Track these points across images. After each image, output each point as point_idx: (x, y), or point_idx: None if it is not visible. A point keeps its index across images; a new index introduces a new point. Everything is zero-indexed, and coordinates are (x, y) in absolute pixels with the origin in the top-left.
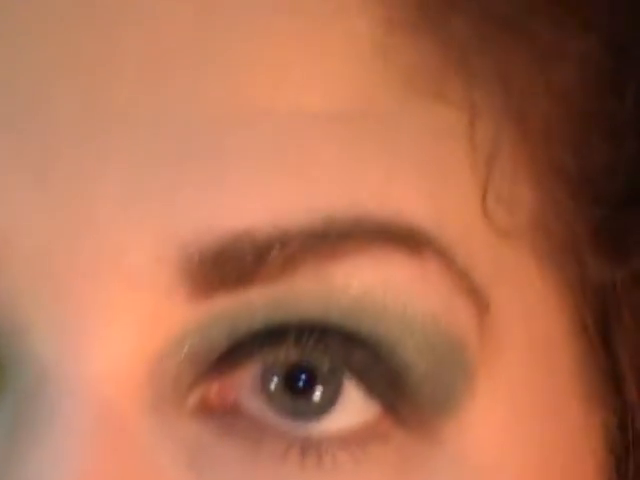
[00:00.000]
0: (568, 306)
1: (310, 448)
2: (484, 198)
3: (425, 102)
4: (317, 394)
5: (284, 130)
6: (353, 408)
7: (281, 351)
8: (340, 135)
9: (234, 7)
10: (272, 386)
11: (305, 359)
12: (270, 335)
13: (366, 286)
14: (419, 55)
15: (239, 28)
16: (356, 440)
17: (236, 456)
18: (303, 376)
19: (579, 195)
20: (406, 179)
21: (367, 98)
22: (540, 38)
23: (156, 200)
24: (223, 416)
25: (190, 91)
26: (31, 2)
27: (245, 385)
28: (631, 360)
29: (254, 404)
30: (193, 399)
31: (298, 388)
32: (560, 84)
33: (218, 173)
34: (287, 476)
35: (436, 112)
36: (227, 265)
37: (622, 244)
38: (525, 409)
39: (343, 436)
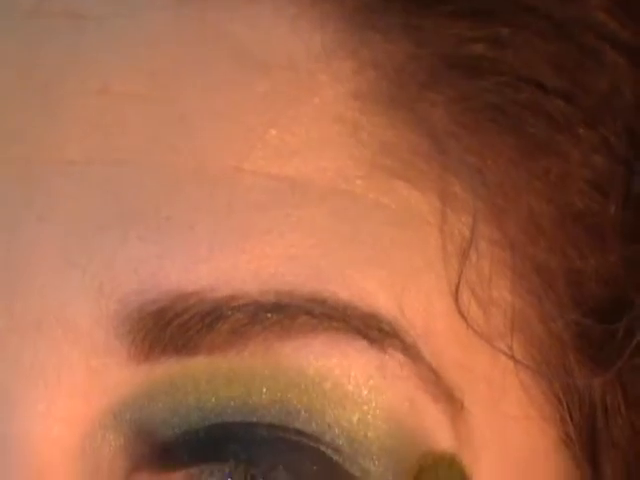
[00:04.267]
0: (552, 417)
1: None
2: (456, 295)
3: (394, 184)
4: None
5: (245, 196)
6: None
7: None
8: (303, 208)
9: (212, 62)
10: None
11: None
12: (211, 446)
13: (321, 375)
14: (390, 135)
15: (211, 88)
16: None
17: None
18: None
19: (564, 299)
20: (369, 264)
21: (334, 173)
22: (526, 131)
23: (99, 256)
24: None
25: (142, 150)
26: None
27: None
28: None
29: None
30: None
31: None
32: (546, 182)
33: (167, 232)
34: None
35: (406, 196)
36: (170, 327)
37: (608, 353)
38: None
39: None
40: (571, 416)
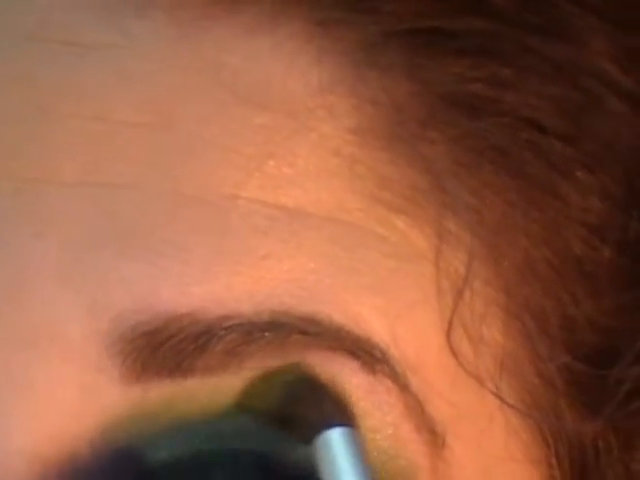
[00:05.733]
0: (539, 460)
1: None
2: (448, 331)
3: (392, 218)
4: None
5: (242, 221)
6: None
7: None
8: (301, 235)
9: (212, 98)
10: None
11: None
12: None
13: None
14: (390, 170)
15: (210, 120)
16: None
17: None
18: None
19: (556, 343)
20: (365, 291)
21: (332, 205)
22: (525, 173)
23: (93, 274)
24: None
25: (139, 174)
26: None
27: None
28: None
29: None
30: None
31: None
32: (543, 224)
33: (162, 253)
34: None
35: (404, 230)
36: (163, 348)
37: (599, 400)
38: None
39: None
40: (559, 460)
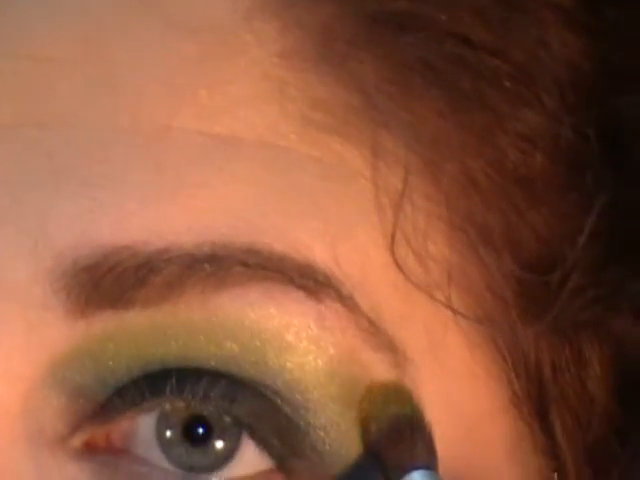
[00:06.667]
0: (499, 376)
1: None
2: (392, 246)
3: (327, 139)
4: (215, 447)
5: (176, 152)
6: (250, 460)
7: (164, 401)
8: (235, 162)
9: (142, 29)
10: (167, 436)
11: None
12: (151, 382)
13: (260, 325)
14: (321, 91)
15: (141, 52)
16: None
17: None
18: (200, 429)
19: (502, 253)
20: (303, 215)
21: (264, 129)
22: (455, 85)
23: (32, 213)
24: (108, 457)
25: (72, 111)
26: None
27: (138, 432)
28: (571, 438)
29: (146, 450)
30: (78, 440)
31: (195, 439)
32: (477, 135)
33: (99, 188)
34: None
35: (339, 150)
36: (104, 280)
37: (546, 306)
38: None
39: None
40: (517, 375)
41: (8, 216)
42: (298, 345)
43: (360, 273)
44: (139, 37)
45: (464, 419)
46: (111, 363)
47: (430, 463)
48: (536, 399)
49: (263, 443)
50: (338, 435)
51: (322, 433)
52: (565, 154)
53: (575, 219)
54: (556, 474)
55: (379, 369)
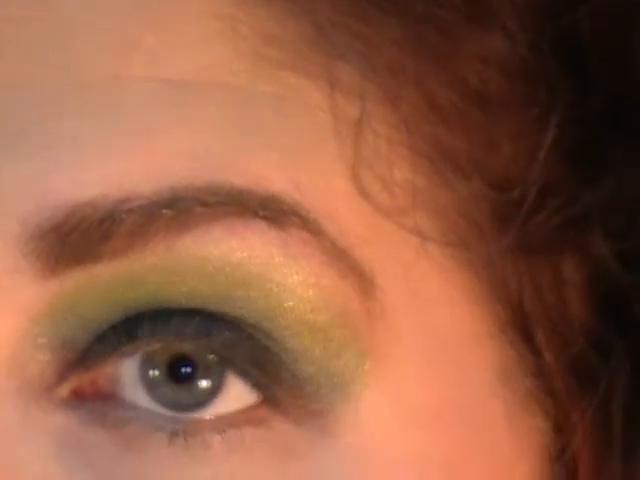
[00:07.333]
0: (479, 299)
1: (182, 434)
2: (355, 175)
3: (281, 74)
4: (200, 385)
5: (127, 101)
6: (235, 396)
7: (142, 343)
8: (188, 105)
9: None
10: (151, 377)
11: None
12: (127, 327)
13: (223, 260)
14: (273, 27)
15: (85, 8)
16: (232, 424)
17: (108, 444)
18: (184, 368)
19: (473, 178)
20: (261, 150)
21: (217, 69)
22: (410, 12)
23: None
24: (95, 404)
25: (21, 70)
26: None
27: (123, 376)
28: (557, 358)
29: (132, 394)
30: (65, 389)
31: (179, 379)
32: (435, 61)
33: (54, 146)
34: (160, 464)
35: (294, 84)
36: (70, 238)
37: (524, 231)
38: (426, 410)
39: (220, 421)
40: (499, 298)
41: None
42: (263, 274)
43: (325, 201)
44: None
45: (446, 343)
46: (87, 313)
47: None
48: (521, 322)
49: (244, 374)
50: (312, 360)
51: (295, 357)
52: (522, 71)
53: (537, 134)
54: None
55: (346, 294)
